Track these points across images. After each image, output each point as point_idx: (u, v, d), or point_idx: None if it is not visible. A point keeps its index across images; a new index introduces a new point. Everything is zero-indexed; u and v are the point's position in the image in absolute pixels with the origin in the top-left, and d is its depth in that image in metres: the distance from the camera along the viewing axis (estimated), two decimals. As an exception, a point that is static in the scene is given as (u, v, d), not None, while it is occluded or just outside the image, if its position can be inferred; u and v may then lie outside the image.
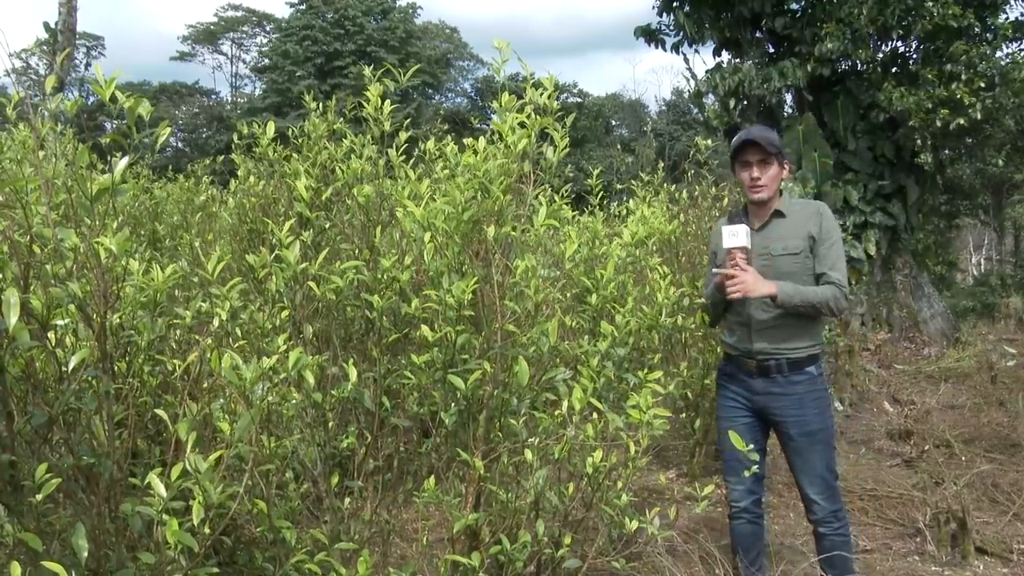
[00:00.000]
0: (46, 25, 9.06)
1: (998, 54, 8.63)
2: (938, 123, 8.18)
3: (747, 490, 2.90)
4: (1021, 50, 8.94)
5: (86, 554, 1.62)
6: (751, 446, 2.53)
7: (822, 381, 2.87)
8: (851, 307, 8.82)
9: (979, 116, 8.10)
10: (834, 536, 2.82)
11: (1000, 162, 10.76)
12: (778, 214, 2.86)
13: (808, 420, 2.79)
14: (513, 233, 2.45)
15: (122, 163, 1.68)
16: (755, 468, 2.70)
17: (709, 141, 5.65)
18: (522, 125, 2.45)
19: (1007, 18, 8.87)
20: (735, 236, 2.72)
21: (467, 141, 2.53)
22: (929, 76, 8.25)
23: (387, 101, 2.67)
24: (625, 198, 5.49)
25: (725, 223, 2.96)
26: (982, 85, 8.09)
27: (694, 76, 10.17)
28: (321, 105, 3.56)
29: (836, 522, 2.82)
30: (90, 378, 1.82)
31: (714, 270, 2.89)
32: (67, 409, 1.78)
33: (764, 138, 2.78)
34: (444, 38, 42.31)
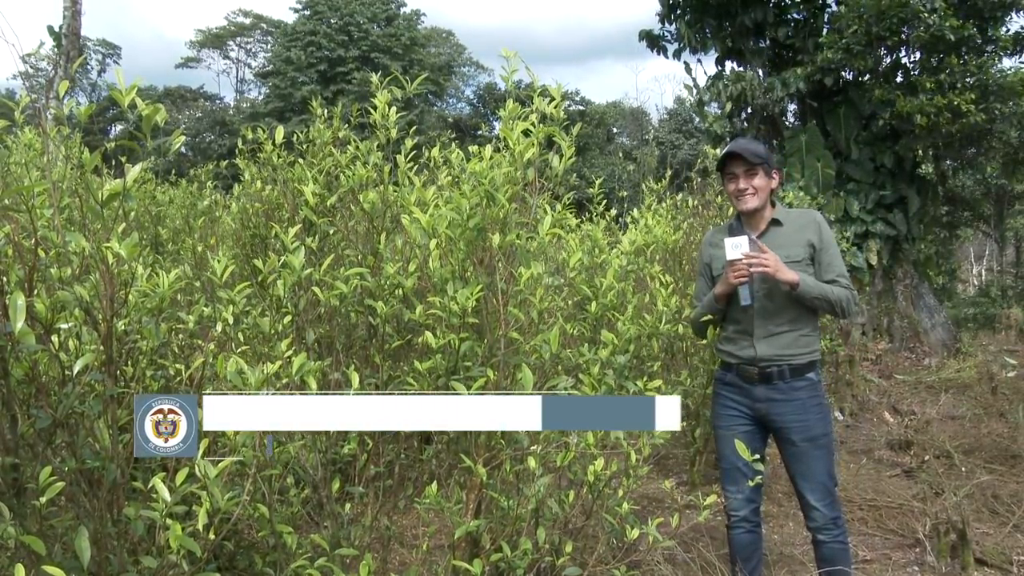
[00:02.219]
0: (50, 29, 9.08)
1: (998, 66, 8.65)
2: (941, 128, 8.19)
3: (746, 499, 2.90)
4: (1021, 62, 8.98)
5: (88, 557, 1.62)
6: (756, 456, 2.53)
7: (822, 387, 2.90)
8: (853, 315, 8.85)
9: (978, 120, 8.10)
10: (833, 544, 2.82)
11: (992, 172, 10.78)
12: (775, 223, 2.90)
13: (811, 425, 2.81)
14: (518, 241, 2.46)
15: (135, 170, 1.69)
16: (759, 478, 2.70)
17: (717, 151, 5.66)
18: (526, 134, 2.46)
19: (1007, 30, 8.91)
20: (738, 247, 2.76)
21: (473, 149, 2.53)
22: (927, 86, 8.27)
23: (393, 108, 2.69)
24: (627, 206, 5.50)
25: (718, 232, 2.98)
26: (973, 97, 8.11)
27: (696, 86, 10.18)
28: (327, 112, 3.57)
29: (835, 529, 2.82)
30: (93, 382, 1.82)
31: (718, 291, 2.89)
32: (70, 413, 1.79)
33: (746, 150, 2.83)
34: (442, 41, 42.31)
